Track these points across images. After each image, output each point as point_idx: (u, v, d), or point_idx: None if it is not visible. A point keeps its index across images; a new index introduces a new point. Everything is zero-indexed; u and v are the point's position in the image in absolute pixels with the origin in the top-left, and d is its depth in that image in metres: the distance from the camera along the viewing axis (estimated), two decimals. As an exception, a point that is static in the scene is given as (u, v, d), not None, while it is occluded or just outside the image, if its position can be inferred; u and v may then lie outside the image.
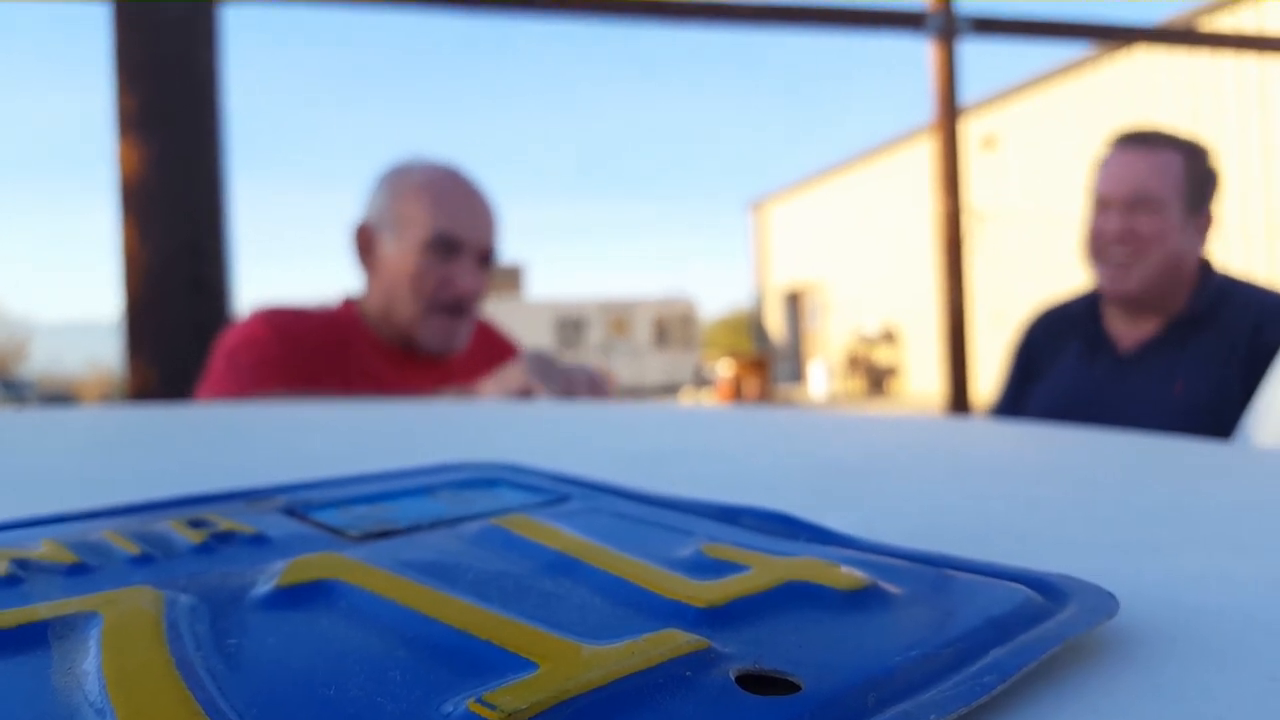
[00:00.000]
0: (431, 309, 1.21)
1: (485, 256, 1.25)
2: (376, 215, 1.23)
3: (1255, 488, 0.41)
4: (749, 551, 0.24)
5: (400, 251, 1.21)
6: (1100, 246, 1.36)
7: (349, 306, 1.26)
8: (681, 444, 0.55)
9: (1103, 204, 1.36)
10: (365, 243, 1.24)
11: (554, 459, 0.43)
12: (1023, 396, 1.47)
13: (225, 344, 1.17)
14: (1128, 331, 1.37)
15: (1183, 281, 1.34)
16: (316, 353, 1.17)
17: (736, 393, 14.25)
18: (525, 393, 0.99)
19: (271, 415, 0.73)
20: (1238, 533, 0.31)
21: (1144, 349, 1.34)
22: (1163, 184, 1.32)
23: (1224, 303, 1.32)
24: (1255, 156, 10.23)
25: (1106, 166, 1.37)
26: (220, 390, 1.11)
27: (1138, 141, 1.36)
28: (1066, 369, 1.41)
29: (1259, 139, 10.26)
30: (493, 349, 1.35)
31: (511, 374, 1.01)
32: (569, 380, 1.02)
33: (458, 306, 1.22)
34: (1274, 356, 0.87)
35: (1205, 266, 1.37)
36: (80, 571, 0.22)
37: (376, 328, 1.23)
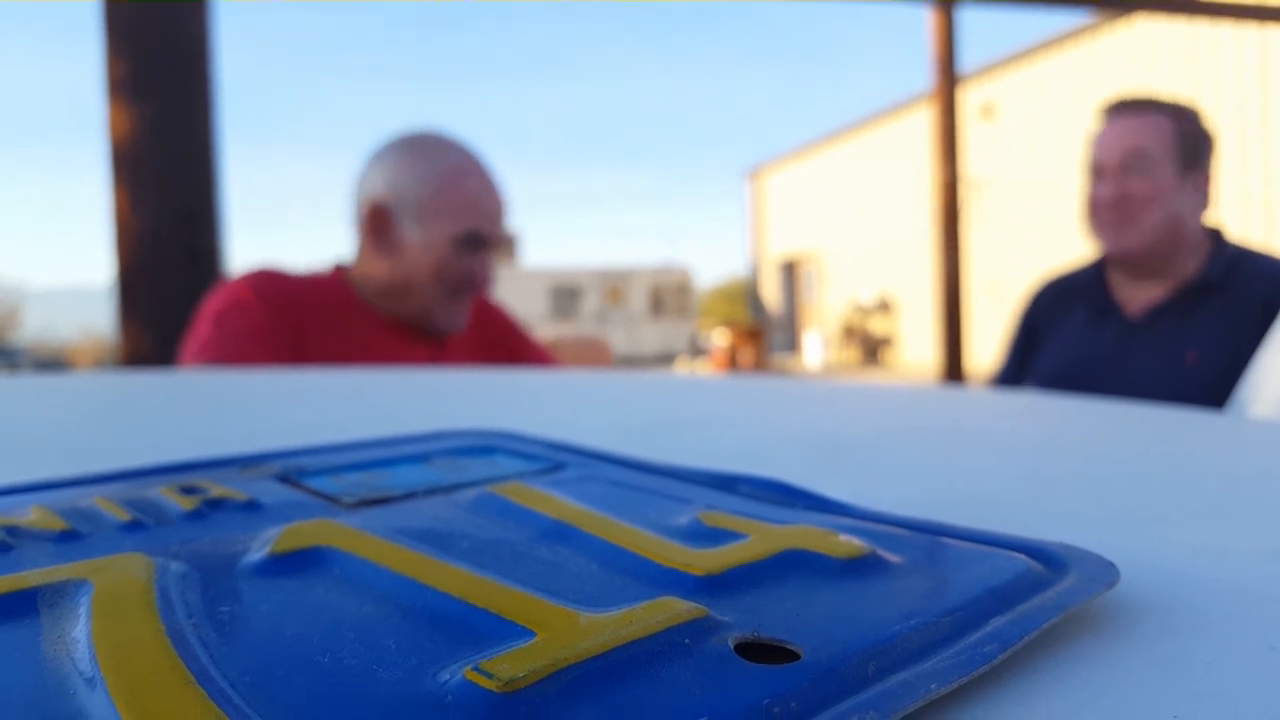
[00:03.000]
0: (451, 296, 1.23)
1: (499, 245, 1.28)
2: (396, 197, 1.20)
3: (1254, 459, 0.41)
4: (747, 520, 0.24)
5: (426, 242, 1.20)
6: (1096, 213, 1.37)
7: (339, 273, 1.24)
8: (677, 413, 0.55)
9: (1098, 173, 1.37)
10: (379, 222, 1.21)
11: (549, 427, 0.43)
12: (1026, 366, 1.47)
13: (210, 307, 1.16)
14: (1134, 296, 1.37)
15: (1187, 244, 1.35)
16: (303, 319, 1.16)
17: (732, 362, 14.26)
18: None
19: (265, 382, 0.72)
20: (1237, 504, 0.31)
21: (1153, 314, 1.35)
22: (1153, 145, 1.33)
23: (1236, 272, 1.32)
24: (1254, 125, 10.19)
25: (1099, 136, 1.39)
26: (206, 355, 1.10)
27: (1126, 108, 1.38)
28: (1072, 335, 1.41)
29: (1258, 107, 10.21)
30: (484, 317, 1.34)
31: None
32: None
33: (473, 292, 1.26)
34: None
35: (1217, 234, 1.37)
36: (70, 538, 0.22)
37: (372, 300, 1.22)
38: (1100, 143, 1.37)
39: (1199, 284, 1.32)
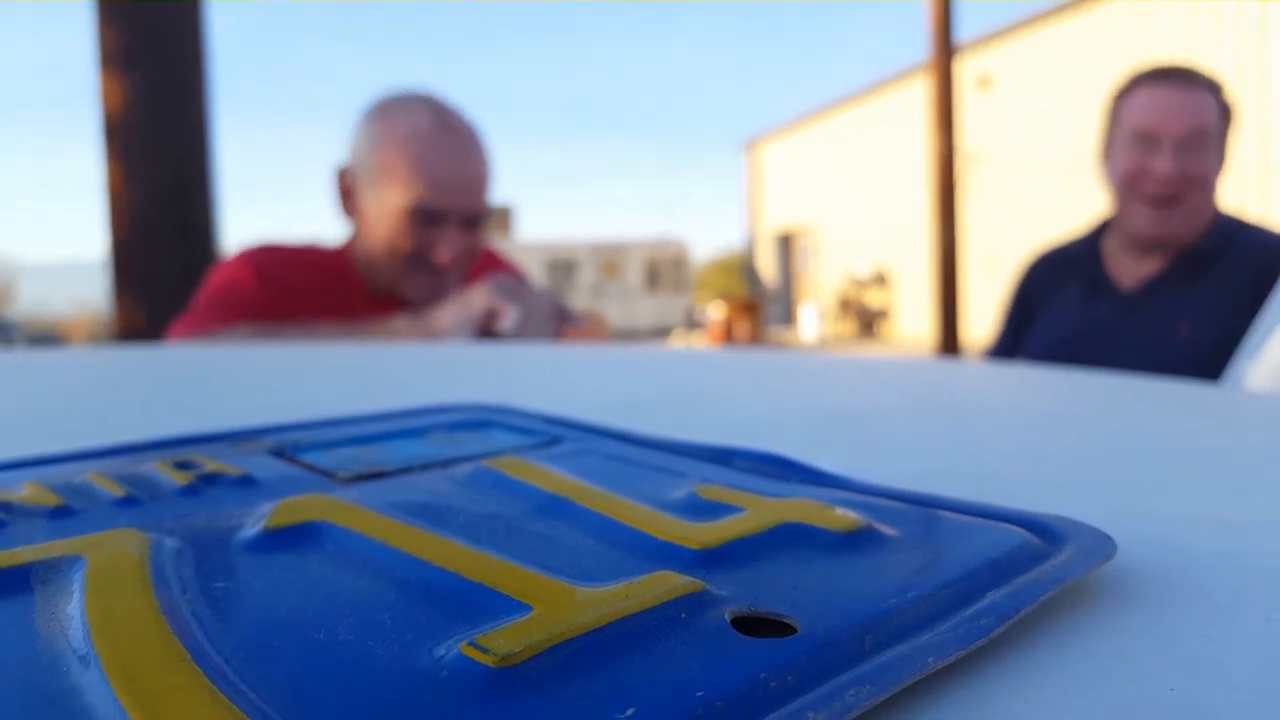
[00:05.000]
0: (411, 268, 1.15)
1: (473, 220, 1.16)
2: (357, 162, 1.16)
3: (1250, 430, 0.41)
4: (743, 493, 0.24)
5: (378, 212, 1.13)
6: (1140, 183, 1.29)
7: (344, 250, 1.23)
8: (673, 387, 0.55)
9: (1148, 139, 1.28)
10: (345, 190, 1.19)
11: (545, 401, 0.43)
12: (1021, 339, 1.46)
13: (209, 282, 1.17)
14: (1130, 271, 1.36)
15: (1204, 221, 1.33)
16: (298, 296, 1.15)
17: (727, 335, 14.26)
18: (490, 315, 0.95)
19: (260, 357, 0.72)
20: (1233, 476, 0.31)
21: (1147, 287, 1.33)
22: (1211, 123, 1.27)
23: (1231, 244, 1.30)
24: (1251, 96, 10.15)
25: (1146, 100, 1.30)
26: (193, 325, 1.11)
27: (1180, 78, 1.30)
28: (1067, 309, 1.40)
29: (1255, 79, 10.17)
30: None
31: (475, 296, 0.97)
32: (535, 303, 0.97)
33: (440, 269, 1.16)
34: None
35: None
36: (64, 514, 0.22)
37: (364, 273, 1.21)
38: (1153, 108, 1.28)
39: (1194, 256, 1.31)
